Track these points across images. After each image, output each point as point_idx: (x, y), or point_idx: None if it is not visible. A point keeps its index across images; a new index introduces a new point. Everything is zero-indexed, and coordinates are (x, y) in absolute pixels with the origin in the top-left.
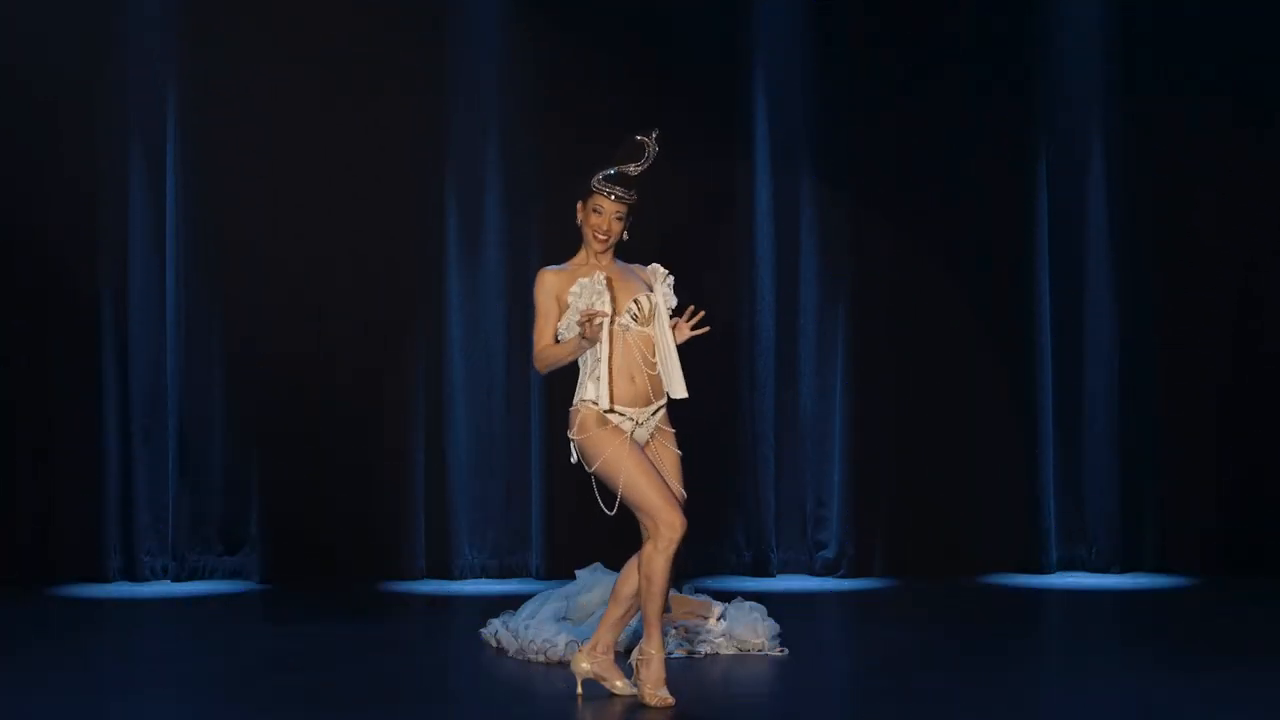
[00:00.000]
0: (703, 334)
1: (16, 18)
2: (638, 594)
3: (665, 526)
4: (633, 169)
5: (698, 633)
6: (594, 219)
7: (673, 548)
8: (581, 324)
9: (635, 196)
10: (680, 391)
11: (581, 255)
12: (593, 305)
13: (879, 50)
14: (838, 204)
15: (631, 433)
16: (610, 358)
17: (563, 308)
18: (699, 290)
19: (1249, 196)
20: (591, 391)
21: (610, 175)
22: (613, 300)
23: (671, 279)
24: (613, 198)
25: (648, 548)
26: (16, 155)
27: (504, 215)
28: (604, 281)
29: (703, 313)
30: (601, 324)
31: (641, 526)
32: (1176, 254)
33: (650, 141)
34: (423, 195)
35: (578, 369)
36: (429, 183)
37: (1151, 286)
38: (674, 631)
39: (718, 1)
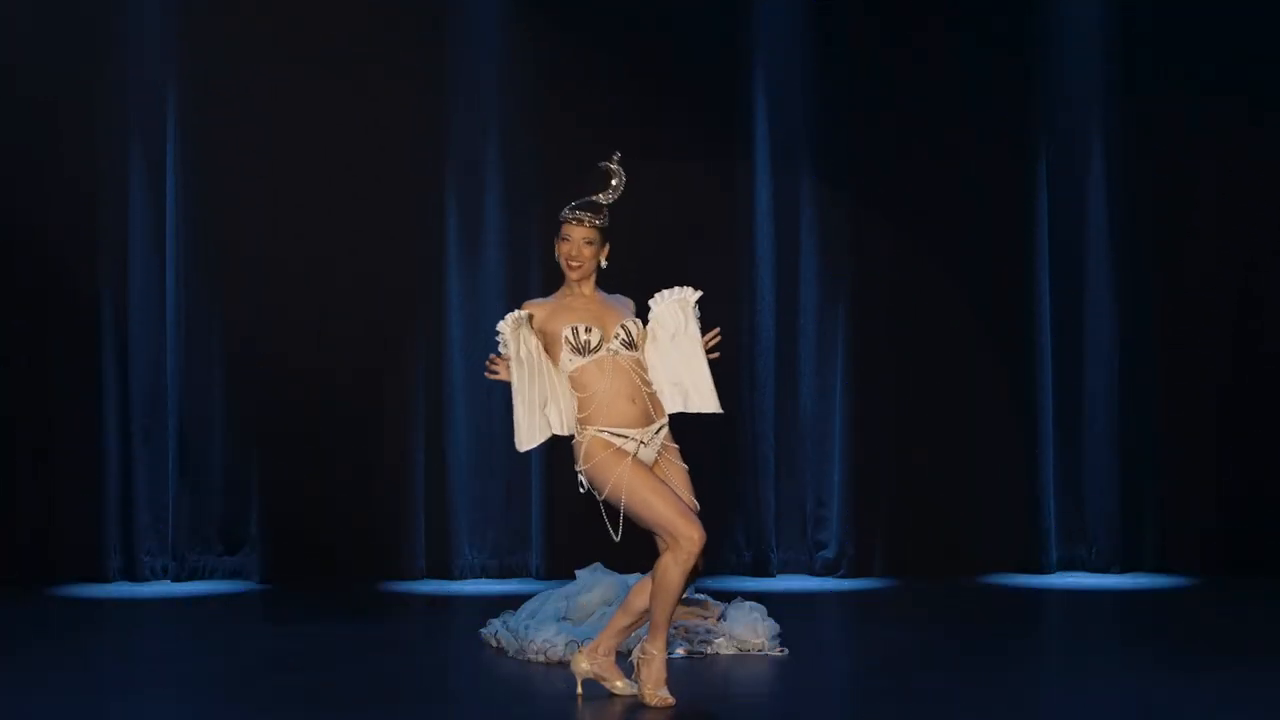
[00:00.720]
0: (713, 359)
1: (16, 18)
2: (648, 610)
3: (685, 540)
4: (601, 197)
5: (698, 633)
6: (564, 247)
7: (691, 560)
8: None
9: (604, 221)
10: (714, 405)
11: (564, 288)
12: (509, 339)
13: (879, 50)
14: (838, 204)
15: (636, 453)
16: (598, 382)
17: (546, 339)
18: (700, 290)
19: (1249, 196)
20: (555, 421)
21: (576, 204)
22: (600, 328)
23: (698, 296)
24: (578, 223)
25: (666, 558)
26: (16, 155)
27: (504, 215)
28: (527, 318)
29: (719, 338)
30: (498, 364)
31: (659, 540)
32: (1176, 254)
33: (613, 166)
34: (423, 195)
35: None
36: (429, 183)
37: (1151, 286)
38: (674, 631)
39: (718, 1)
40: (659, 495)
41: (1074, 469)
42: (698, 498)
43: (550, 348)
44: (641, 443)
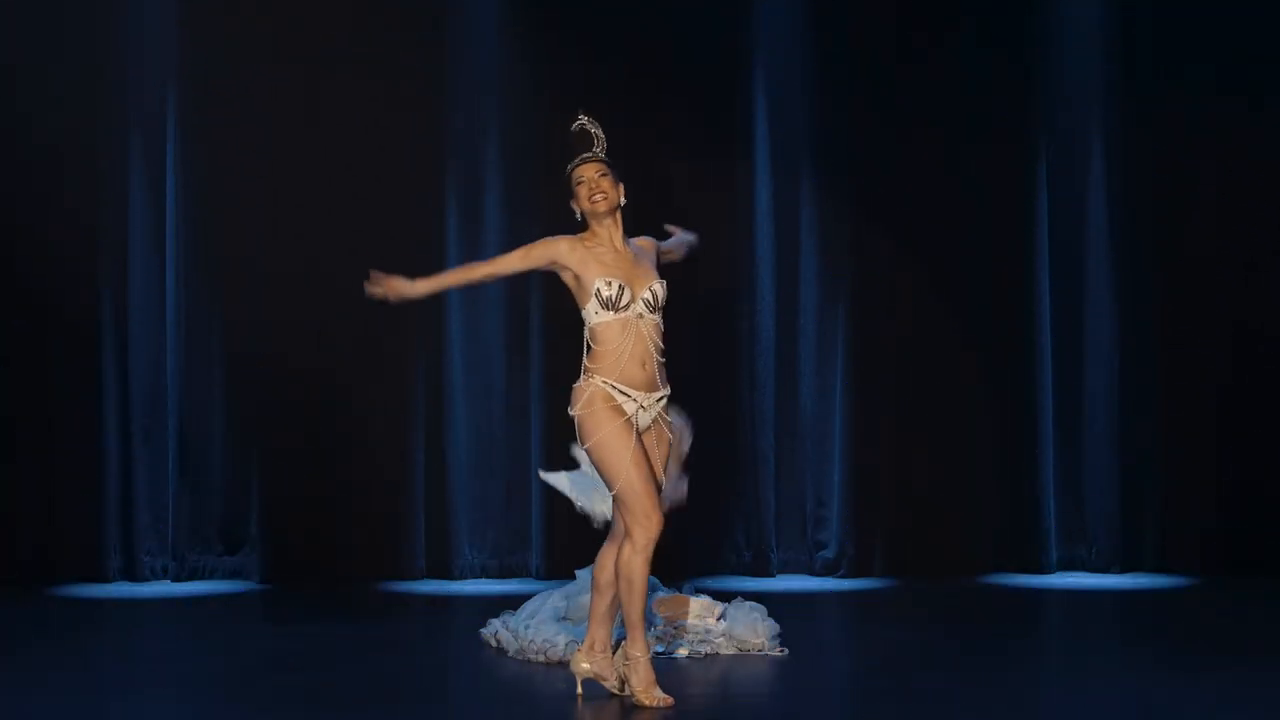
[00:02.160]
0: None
1: (17, 18)
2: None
3: (641, 526)
4: (595, 151)
5: (697, 633)
6: (582, 190)
7: (650, 547)
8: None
9: (609, 160)
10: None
11: (589, 233)
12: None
13: (879, 50)
14: (838, 204)
15: (635, 415)
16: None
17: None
18: (699, 290)
19: (1249, 196)
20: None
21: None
22: (630, 287)
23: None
24: (586, 162)
25: (626, 549)
26: (17, 155)
27: (504, 215)
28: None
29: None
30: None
31: (614, 516)
32: (1176, 254)
33: (586, 123)
34: (423, 195)
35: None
36: (429, 183)
37: (1151, 286)
38: (673, 630)
39: (718, 1)
40: (639, 469)
41: (1074, 469)
42: (692, 490)
43: (577, 291)
44: (641, 406)
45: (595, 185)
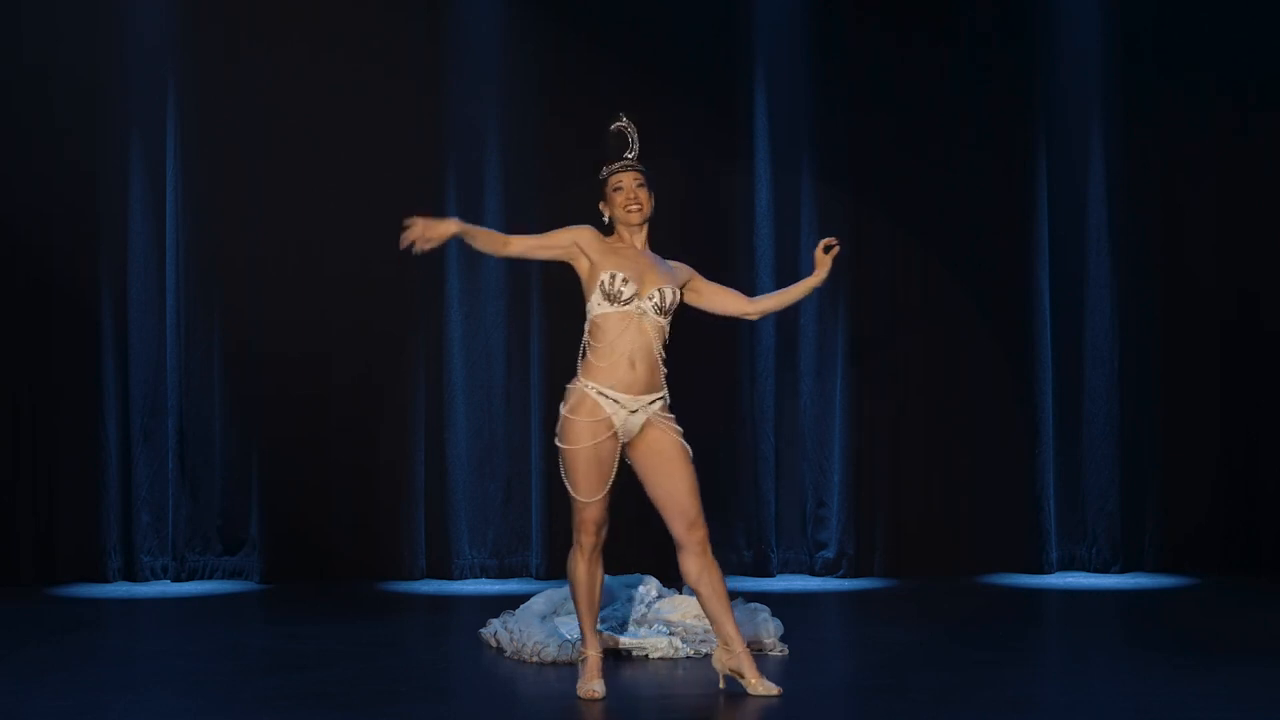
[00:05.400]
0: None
1: (17, 17)
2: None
3: (576, 533)
4: (629, 155)
5: (697, 633)
6: (619, 197)
7: (585, 552)
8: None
9: (647, 170)
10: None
11: (615, 236)
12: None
13: (879, 50)
14: (838, 203)
15: (623, 422)
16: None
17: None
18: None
19: (1249, 197)
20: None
21: (613, 160)
22: (637, 284)
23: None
24: (625, 170)
25: (573, 548)
26: (17, 155)
27: (504, 215)
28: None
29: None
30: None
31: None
32: (1176, 253)
33: (625, 126)
34: (423, 195)
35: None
36: (429, 181)
37: (1151, 286)
38: (673, 630)
39: (718, 1)
40: (589, 481)
41: (1074, 469)
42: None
43: (587, 282)
44: (630, 411)
45: (632, 195)
